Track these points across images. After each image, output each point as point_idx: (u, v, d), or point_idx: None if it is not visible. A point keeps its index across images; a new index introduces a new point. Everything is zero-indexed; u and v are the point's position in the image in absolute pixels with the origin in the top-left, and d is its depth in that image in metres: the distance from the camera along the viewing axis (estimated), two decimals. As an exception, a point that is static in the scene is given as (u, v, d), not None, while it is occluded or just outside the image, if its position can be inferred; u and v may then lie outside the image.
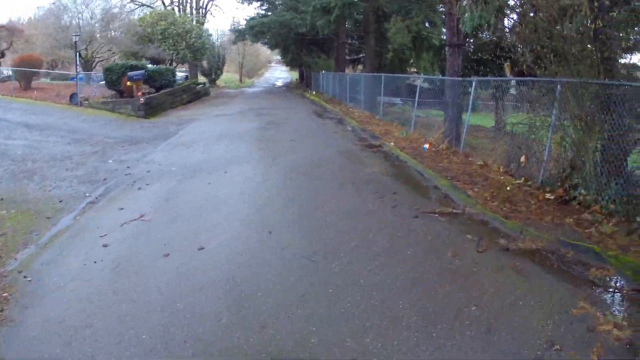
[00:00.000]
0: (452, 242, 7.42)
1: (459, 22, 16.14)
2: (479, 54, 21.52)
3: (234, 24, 44.52)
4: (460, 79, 15.68)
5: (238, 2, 48.78)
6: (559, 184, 9.33)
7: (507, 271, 6.34)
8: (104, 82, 30.39)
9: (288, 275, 6.32)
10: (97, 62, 38.12)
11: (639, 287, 5.96)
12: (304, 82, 57.56)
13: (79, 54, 35.07)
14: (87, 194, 11.44)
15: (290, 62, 60.31)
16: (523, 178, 10.63)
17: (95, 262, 7.11)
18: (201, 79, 56.95)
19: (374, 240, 7.44)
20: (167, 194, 10.89)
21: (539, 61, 9.82)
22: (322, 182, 11.13)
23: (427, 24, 33.35)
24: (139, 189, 11.56)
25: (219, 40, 61.81)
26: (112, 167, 14.25)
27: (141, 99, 25.80)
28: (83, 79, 35.11)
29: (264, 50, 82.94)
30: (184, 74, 51.09)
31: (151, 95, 28.21)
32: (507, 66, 20.96)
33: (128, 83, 27.02)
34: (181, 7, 51.74)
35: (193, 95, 35.75)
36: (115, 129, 21.32)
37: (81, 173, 13.52)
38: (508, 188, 10.00)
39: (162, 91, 30.40)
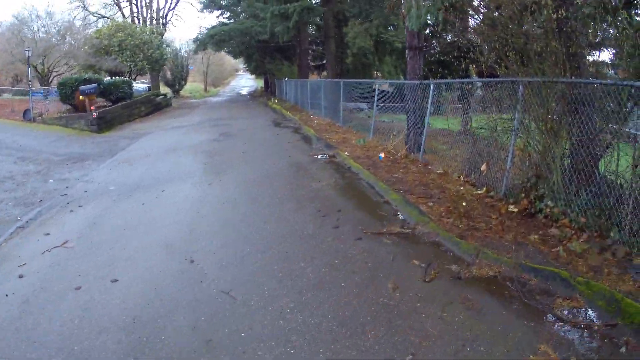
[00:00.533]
0: (396, 270, 6.55)
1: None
2: (443, 56, 21.27)
3: (200, 34, 43.76)
4: (418, 82, 15.12)
5: (199, 10, 47.67)
6: (524, 195, 8.52)
7: (456, 307, 5.44)
8: (60, 97, 29.45)
9: (199, 315, 5.58)
10: (55, 77, 37.02)
11: (613, 321, 5.09)
12: (269, 90, 56.97)
13: (36, 68, 34.24)
14: (19, 218, 10.56)
15: (254, 70, 59.77)
16: (485, 188, 9.92)
17: (6, 295, 6.47)
18: (165, 89, 56.16)
19: (304, 272, 6.60)
20: (97, 217, 10.09)
21: (499, 61, 9.12)
22: (263, 201, 10.31)
23: (390, 28, 32.95)
24: (71, 211, 10.74)
25: (183, 51, 60.73)
26: (52, 187, 13.41)
27: (94, 113, 24.94)
28: (41, 94, 34.11)
29: (230, 59, 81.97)
30: (146, 85, 50.30)
31: (105, 109, 27.31)
32: (472, 68, 21.00)
33: (80, 97, 26.14)
34: (141, 17, 50.86)
35: (153, 107, 34.88)
36: (64, 146, 20.45)
37: (20, 194, 12.65)
38: (467, 201, 9.21)
39: (118, 104, 29.51)
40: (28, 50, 29.65)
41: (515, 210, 8.48)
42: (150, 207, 10.51)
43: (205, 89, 74.85)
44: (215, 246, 7.83)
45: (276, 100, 40.97)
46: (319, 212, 9.24)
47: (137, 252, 7.80)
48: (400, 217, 8.92)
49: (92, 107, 25.50)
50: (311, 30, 43.59)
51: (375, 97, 18.05)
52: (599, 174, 7.51)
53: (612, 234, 6.69)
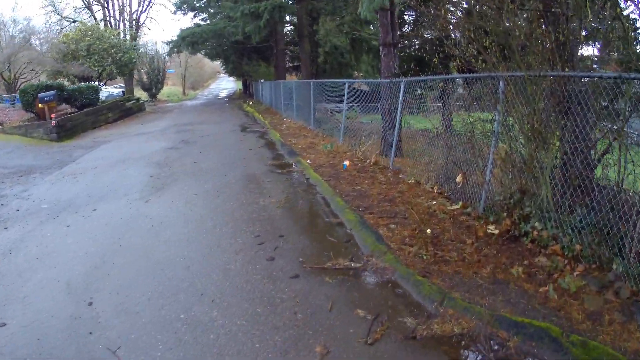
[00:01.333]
0: (331, 324, 5.07)
1: (393, 17, 14.94)
2: (420, 53, 20.23)
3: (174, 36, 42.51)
4: (388, 80, 13.92)
5: (172, 12, 46.17)
6: (506, 213, 7.12)
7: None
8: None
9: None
10: (22, 83, 35.47)
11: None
12: (247, 92, 55.93)
13: (1, 75, 32.86)
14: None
15: (232, 72, 58.60)
16: (460, 203, 8.55)
17: None
18: (142, 94, 54.85)
19: (213, 326, 5.19)
20: (16, 241, 8.60)
21: (478, 54, 7.77)
22: (195, 223, 8.93)
23: (370, 26, 31.80)
24: (-7, 235, 9.49)
25: (159, 53, 59.23)
26: (-14, 206, 12.11)
27: (52, 122, 23.53)
28: (8, 102, 32.77)
29: (210, 61, 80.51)
30: (120, 90, 48.94)
31: (65, 116, 25.88)
32: (453, 65, 20.04)
33: (40, 105, 24.72)
34: (113, 20, 49.43)
35: (122, 112, 33.41)
36: (16, 157, 19.04)
37: (-47, 216, 11.35)
38: (438, 220, 7.91)
39: (82, 111, 28.11)
40: (-13, 57, 28.44)
41: (496, 232, 7.07)
42: (73, 231, 9.07)
43: (184, 92, 73.42)
44: (122, 284, 6.50)
45: (251, 103, 39.82)
46: (257, 239, 7.88)
47: (36, 290, 6.51)
48: (353, 244, 7.51)
49: (53, 115, 24.05)
50: (288, 30, 42.38)
51: (345, 97, 16.81)
52: (595, 185, 6.09)
53: (614, 266, 5.28)
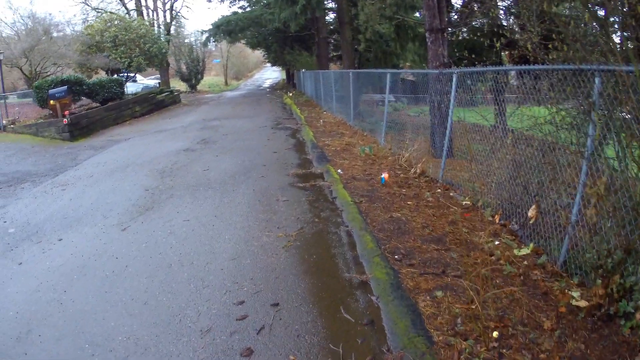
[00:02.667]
0: None
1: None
2: (473, 39, 17.67)
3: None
4: (437, 71, 11.60)
5: (208, 1, 43.66)
6: (600, 278, 4.56)
7: None
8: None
9: None
10: (44, 78, 33.39)
11: None
12: (291, 82, 53.92)
13: (21, 70, 30.88)
14: None
15: (274, 61, 57.02)
16: (531, 245, 6.11)
17: None
18: (181, 85, 53.04)
19: None
20: None
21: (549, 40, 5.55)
22: (167, 274, 6.49)
23: (415, 12, 29.17)
24: None
25: (197, 43, 57.02)
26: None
27: (65, 119, 21.32)
28: (32, 98, 30.87)
29: (256, 51, 78.16)
30: (155, 81, 47.03)
31: (80, 113, 23.69)
32: (505, 54, 18.62)
33: (51, 102, 22.54)
34: (145, 10, 47.31)
35: (152, 105, 31.30)
36: (15, 162, 16.81)
37: None
38: (502, 277, 5.52)
39: (103, 106, 25.94)
40: (-1, 53, 26.44)
41: (584, 305, 4.56)
42: (19, 274, 7.05)
43: (226, 83, 71.27)
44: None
45: (291, 94, 37.60)
46: (239, 308, 5.45)
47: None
48: (377, 330, 4.89)
49: (66, 113, 21.84)
50: (330, 18, 39.86)
51: (387, 90, 14.30)
52: None
53: None
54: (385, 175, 10.26)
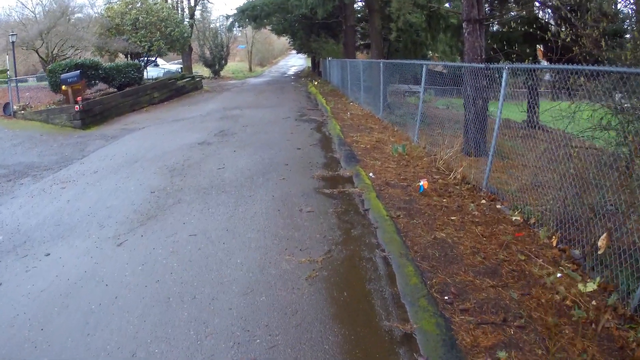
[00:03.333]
0: None
1: None
2: (508, 32, 17.15)
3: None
4: (482, 65, 10.23)
5: None
6: None
7: None
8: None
9: None
10: (58, 62, 32.11)
11: None
12: (316, 70, 52.78)
13: (38, 53, 29.70)
14: None
15: (300, 48, 55.74)
16: (598, 279, 4.97)
17: None
18: (204, 70, 51.97)
19: None
20: None
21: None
22: (162, 312, 5.21)
23: (446, 3, 27.89)
24: None
25: (222, 28, 55.67)
26: None
27: (76, 106, 20.16)
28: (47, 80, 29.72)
29: (281, 38, 76.78)
30: (177, 66, 45.92)
31: (94, 99, 22.49)
32: (538, 49, 18.38)
33: (63, 87, 21.35)
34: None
35: (172, 91, 30.15)
36: (20, 152, 15.62)
37: None
38: (570, 322, 4.41)
39: (119, 92, 24.76)
40: (12, 34, 25.34)
41: None
42: None
43: (250, 69, 70.04)
44: None
45: (316, 83, 36.33)
46: None
47: None
48: None
49: (79, 99, 20.68)
50: (358, 6, 38.46)
51: (422, 84, 13.02)
52: None
53: None
54: (424, 182, 8.94)
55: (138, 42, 29.21)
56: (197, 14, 51.14)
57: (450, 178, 9.55)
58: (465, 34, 12.48)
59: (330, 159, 11.89)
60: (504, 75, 8.22)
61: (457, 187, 9.06)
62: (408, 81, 18.20)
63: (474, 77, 11.27)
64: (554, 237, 6.39)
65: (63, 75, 21.25)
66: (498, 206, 7.96)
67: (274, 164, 11.39)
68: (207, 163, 11.81)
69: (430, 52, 33.03)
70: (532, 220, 7.04)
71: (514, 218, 7.34)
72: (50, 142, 17.07)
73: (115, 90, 25.69)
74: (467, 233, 6.82)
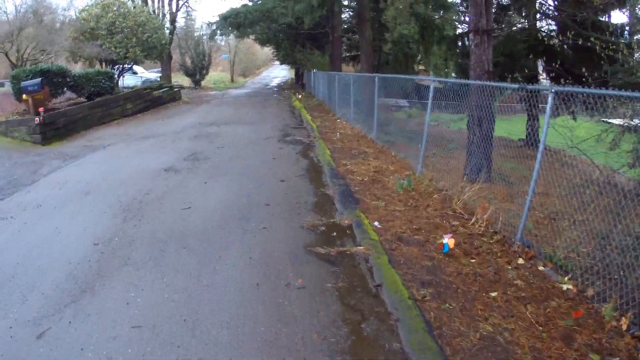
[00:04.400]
0: None
1: None
2: (511, 45, 16.74)
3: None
4: (516, 85, 8.17)
5: None
6: None
7: None
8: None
9: None
10: (23, 67, 29.52)
11: None
12: (300, 83, 50.98)
13: (7, 56, 27.33)
14: None
15: (284, 59, 53.98)
16: None
17: None
18: (184, 80, 49.94)
19: None
20: None
21: None
22: None
23: (441, 11, 26.26)
24: None
25: (202, 36, 53.52)
26: None
27: (36, 118, 17.93)
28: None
29: (262, 48, 74.80)
30: (157, 75, 43.80)
31: (59, 110, 20.24)
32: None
33: (24, 96, 19.10)
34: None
35: (147, 102, 27.96)
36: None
37: None
38: None
39: (87, 102, 22.54)
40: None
41: None
42: None
43: (232, 79, 67.88)
44: None
45: (300, 96, 34.51)
46: None
47: None
48: None
49: (40, 109, 18.46)
50: (346, 16, 36.72)
51: (429, 104, 11.21)
52: None
53: None
54: (448, 240, 6.87)
55: (113, 48, 27.01)
56: (181, 21, 49.20)
57: (475, 226, 7.63)
58: (472, 46, 11.50)
59: (322, 196, 9.83)
60: (550, 100, 6.55)
61: (484, 238, 7.17)
62: (395, 95, 16.95)
63: (481, 95, 10.14)
64: (624, 319, 4.75)
65: (23, 83, 18.96)
66: (540, 268, 6.27)
67: (253, 204, 9.29)
68: (171, 199, 9.70)
69: (420, 65, 31.67)
70: (590, 292, 5.32)
71: (565, 287, 5.63)
72: (2, 161, 14.84)
73: (85, 100, 23.52)
74: (517, 320, 4.92)
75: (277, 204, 9.24)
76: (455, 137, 11.92)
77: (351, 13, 37.45)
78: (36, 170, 13.49)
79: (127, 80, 34.96)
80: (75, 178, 12.07)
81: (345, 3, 33.72)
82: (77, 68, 27.79)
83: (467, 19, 22.36)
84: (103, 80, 24.33)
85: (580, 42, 10.41)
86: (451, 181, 10.24)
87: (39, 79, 19.21)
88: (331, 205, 9.24)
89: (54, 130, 18.67)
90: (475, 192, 8.92)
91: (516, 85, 8.02)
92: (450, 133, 12.82)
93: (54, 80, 21.26)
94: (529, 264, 6.36)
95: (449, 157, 11.53)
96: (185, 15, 58.86)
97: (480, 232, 7.52)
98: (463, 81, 11.48)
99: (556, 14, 16.62)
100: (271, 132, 18.28)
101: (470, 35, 11.64)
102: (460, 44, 21.07)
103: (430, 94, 11.04)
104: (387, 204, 9.01)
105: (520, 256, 6.66)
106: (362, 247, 7.06)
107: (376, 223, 7.93)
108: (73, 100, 23.71)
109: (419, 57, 30.20)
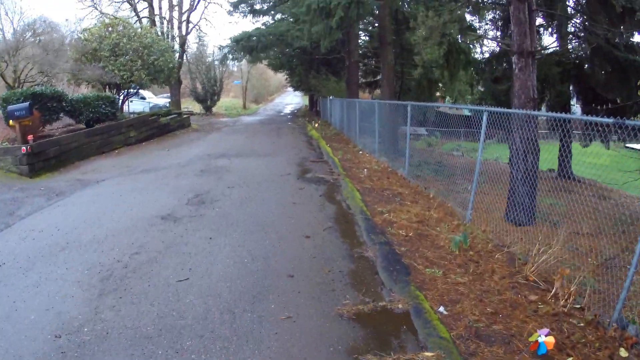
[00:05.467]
0: None
1: (532, 13, 10.57)
2: (545, 69, 15.62)
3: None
4: (611, 120, 5.82)
5: (228, 13, 37.63)
6: None
7: None
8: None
9: None
10: (30, 88, 27.40)
11: None
12: (314, 110, 49.36)
13: (3, 77, 25.34)
14: None
15: (297, 85, 52.46)
16: None
17: None
18: (195, 105, 48.21)
19: None
20: None
21: None
22: None
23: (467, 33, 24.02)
24: None
25: (214, 61, 51.61)
26: None
27: (23, 147, 15.92)
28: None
29: (275, 73, 73.00)
30: (166, 100, 42.01)
31: (50, 138, 18.17)
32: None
33: (10, 122, 17.09)
34: (159, 19, 42.17)
35: (153, 130, 26.07)
36: None
37: None
38: None
39: (86, 129, 20.52)
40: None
41: None
42: None
43: (244, 106, 66.08)
44: None
45: (317, 125, 32.48)
46: None
47: None
48: None
49: (30, 137, 16.48)
50: (362, 40, 35.22)
51: (482, 138, 9.36)
52: None
53: None
54: (546, 339, 4.74)
55: (116, 71, 25.00)
56: (194, 47, 47.55)
57: (558, 301, 5.60)
58: (516, 70, 10.40)
59: (361, 261, 7.64)
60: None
61: (572, 319, 5.42)
62: (428, 124, 16.72)
63: (526, 125, 9.33)
64: None
65: (10, 107, 16.85)
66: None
67: (272, 273, 7.10)
68: (165, 264, 7.51)
69: (440, 92, 29.92)
70: None
71: None
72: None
73: (84, 126, 21.55)
74: None
75: (304, 274, 7.05)
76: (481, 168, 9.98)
77: (367, 37, 35.66)
78: (14, 211, 11.41)
79: (135, 106, 33.22)
80: (55, 224, 9.97)
81: (361, 27, 31.93)
82: (82, 92, 25.70)
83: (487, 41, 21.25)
84: (103, 106, 22.33)
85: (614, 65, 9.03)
86: (496, 225, 8.96)
87: (27, 103, 17.12)
88: (374, 275, 7.07)
89: (44, 161, 16.66)
90: (552, 256, 6.86)
91: (610, 120, 5.88)
92: (470, 163, 11.99)
93: (48, 104, 19.32)
94: (633, 355, 4.71)
95: (482, 193, 9.99)
96: (197, 40, 57.43)
97: (566, 311, 5.45)
98: (522, 112, 9.41)
99: (589, 34, 15.36)
100: (288, 167, 16.17)
101: (514, 59, 10.44)
102: (491, 69, 19.56)
103: (484, 125, 9.03)
104: (446, 273, 6.89)
105: (621, 345, 4.94)
106: (431, 354, 4.88)
107: (441, 309, 5.77)
108: (72, 127, 21.72)
109: (444, 83, 28.17)
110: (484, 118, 9.03)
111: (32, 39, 26.60)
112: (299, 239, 8.61)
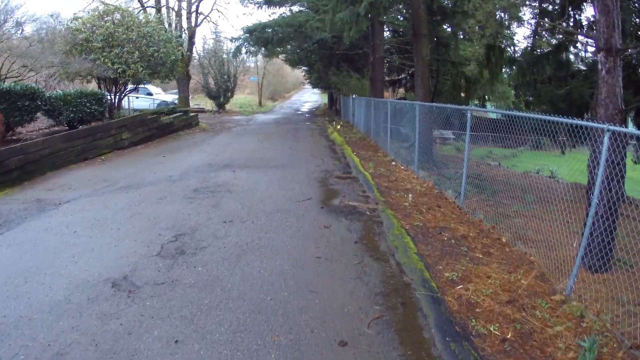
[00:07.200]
0: None
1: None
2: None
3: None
4: None
5: (240, 1, 34.06)
6: None
7: None
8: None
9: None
10: (11, 83, 23.80)
11: None
12: (334, 108, 46.55)
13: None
14: None
15: (316, 82, 49.73)
16: None
17: None
18: (207, 102, 45.07)
19: None
20: None
21: None
22: None
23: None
24: None
25: (228, 54, 48.02)
26: None
27: (-20, 157, 12.47)
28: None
29: (292, 70, 69.81)
30: (175, 96, 38.80)
31: (14, 146, 14.42)
32: None
33: (-29, 126, 13.67)
34: (166, 9, 38.65)
35: (153, 130, 22.69)
36: None
37: None
38: None
39: (56, 135, 16.83)
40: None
41: None
42: None
43: (260, 103, 62.98)
44: None
45: (339, 126, 29.36)
46: None
47: None
48: None
49: (-6, 141, 13.04)
50: (387, 33, 33.57)
51: (603, 156, 6.45)
52: None
53: None
54: None
55: (109, 64, 21.40)
56: (210, 42, 44.42)
57: None
58: (603, 72, 8.05)
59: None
60: None
61: None
62: (441, 125, 14.93)
63: (615, 145, 6.71)
64: None
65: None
66: None
67: None
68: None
69: (487, 93, 26.90)
70: None
71: None
72: None
73: (67, 128, 18.19)
74: None
75: None
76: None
77: (389, 33, 32.41)
78: None
79: (139, 103, 29.95)
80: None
81: (385, 19, 28.73)
82: (79, 88, 22.18)
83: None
84: (88, 104, 18.93)
85: None
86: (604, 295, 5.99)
87: (-8, 104, 13.71)
88: None
89: (4, 173, 13.16)
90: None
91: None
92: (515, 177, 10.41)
93: (19, 103, 15.90)
94: None
95: (535, 218, 8.43)
96: (214, 36, 54.50)
97: None
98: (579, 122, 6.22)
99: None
100: (308, 186, 12.55)
101: (600, 57, 8.13)
102: (537, 69, 16.30)
103: (604, 151, 6.25)
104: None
105: None
106: None
107: None
108: (55, 129, 18.40)
109: (484, 84, 25.02)
110: (605, 139, 5.98)
111: (12, 29, 23.09)
112: (327, 348, 4.98)
